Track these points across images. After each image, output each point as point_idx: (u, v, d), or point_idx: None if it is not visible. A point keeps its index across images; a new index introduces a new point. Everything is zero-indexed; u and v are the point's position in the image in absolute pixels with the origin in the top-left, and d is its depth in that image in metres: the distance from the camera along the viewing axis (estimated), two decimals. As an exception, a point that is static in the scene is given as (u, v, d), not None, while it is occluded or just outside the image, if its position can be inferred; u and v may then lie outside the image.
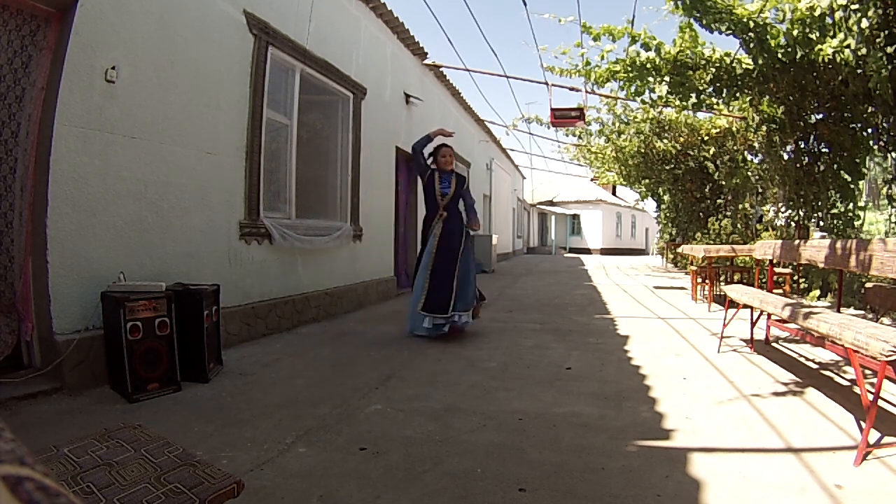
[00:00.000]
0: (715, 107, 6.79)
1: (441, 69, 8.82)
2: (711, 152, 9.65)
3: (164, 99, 3.33)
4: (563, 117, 7.51)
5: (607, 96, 9.03)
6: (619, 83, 5.46)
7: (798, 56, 4.28)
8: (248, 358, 3.62)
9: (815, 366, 3.50)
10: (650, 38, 4.98)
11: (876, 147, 5.32)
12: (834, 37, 4.00)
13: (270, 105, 4.46)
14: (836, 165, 5.67)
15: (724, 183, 9.65)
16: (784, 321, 3.06)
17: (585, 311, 6.12)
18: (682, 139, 10.01)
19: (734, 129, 8.77)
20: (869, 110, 4.91)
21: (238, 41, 4.04)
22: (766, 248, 4.34)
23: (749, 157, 9.17)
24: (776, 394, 2.89)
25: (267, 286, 4.42)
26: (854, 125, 5.32)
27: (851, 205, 5.78)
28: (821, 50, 4.17)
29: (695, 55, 5.09)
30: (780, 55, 4.39)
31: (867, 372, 2.60)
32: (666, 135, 10.09)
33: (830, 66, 4.41)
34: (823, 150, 5.81)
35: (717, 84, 5.22)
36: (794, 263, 5.95)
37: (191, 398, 2.75)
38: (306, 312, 4.95)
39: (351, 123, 5.92)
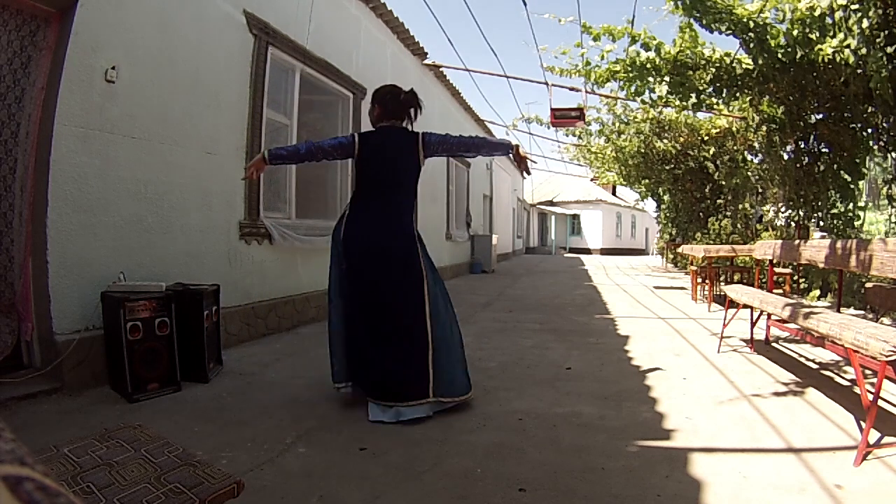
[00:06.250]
0: (715, 107, 6.78)
1: (441, 69, 8.82)
2: (711, 152, 9.64)
3: (164, 99, 3.33)
4: (563, 117, 7.51)
5: (607, 96, 9.03)
6: (619, 83, 5.45)
7: (798, 56, 4.28)
8: (248, 358, 3.61)
9: (815, 366, 3.50)
10: (650, 38, 4.98)
11: (876, 147, 5.32)
12: (834, 37, 4.00)
13: (270, 105, 4.46)
14: (836, 165, 5.67)
15: (724, 183, 9.65)
16: (784, 321, 3.06)
17: (585, 310, 6.11)
18: (682, 139, 10.00)
19: (734, 129, 8.77)
20: (869, 110, 4.91)
21: (238, 41, 4.04)
22: (766, 248, 4.34)
23: (749, 157, 9.17)
24: (776, 394, 2.89)
25: (267, 286, 4.42)
26: (854, 125, 5.31)
27: (851, 205, 5.78)
28: (821, 50, 4.16)
29: (695, 55, 5.09)
30: (780, 55, 4.39)
31: (867, 372, 2.60)
32: (666, 135, 10.09)
33: (830, 66, 4.41)
34: (823, 150, 5.80)
35: (717, 84, 5.21)
36: (794, 263, 5.95)
37: (191, 398, 2.75)
38: (306, 312, 4.95)
39: (351, 123, 5.92)
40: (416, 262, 2.64)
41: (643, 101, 5.80)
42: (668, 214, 12.99)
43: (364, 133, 2.74)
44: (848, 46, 3.92)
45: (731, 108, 7.33)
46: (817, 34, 4.06)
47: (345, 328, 2.66)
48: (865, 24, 3.65)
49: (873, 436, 2.20)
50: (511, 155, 2.88)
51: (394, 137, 2.72)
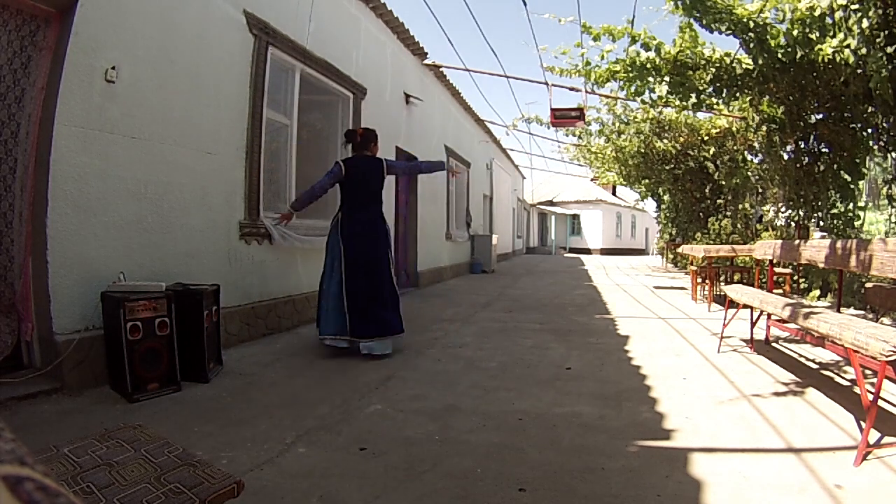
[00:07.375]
0: (715, 107, 6.78)
1: (441, 69, 8.81)
2: (711, 152, 9.64)
3: (164, 99, 3.33)
4: (563, 117, 7.51)
5: (607, 96, 9.02)
6: (619, 83, 5.45)
7: (798, 56, 4.28)
8: (248, 358, 3.62)
9: (815, 366, 3.50)
10: (650, 38, 4.98)
11: (876, 147, 5.32)
12: (834, 37, 4.00)
13: (270, 105, 4.46)
14: (836, 165, 5.67)
15: (724, 183, 9.64)
16: (784, 321, 3.06)
17: (585, 310, 6.11)
18: (682, 139, 10.00)
19: (734, 129, 8.77)
20: (869, 110, 4.91)
21: (238, 41, 4.04)
22: (766, 248, 4.34)
23: (749, 157, 9.17)
24: (776, 394, 2.89)
25: (267, 286, 4.42)
26: (854, 125, 5.31)
27: (851, 205, 5.78)
28: (821, 50, 4.16)
29: (695, 55, 5.09)
30: (780, 55, 4.39)
31: (867, 372, 2.60)
32: (666, 135, 10.09)
33: (830, 66, 4.41)
34: (823, 150, 5.80)
35: (717, 84, 5.21)
36: (794, 263, 5.95)
37: (191, 398, 2.75)
38: (306, 312, 4.94)
39: (351, 123, 5.91)
40: (387, 252, 3.88)
41: (643, 101, 5.80)
42: (668, 214, 12.99)
43: (346, 159, 3.92)
44: (848, 46, 3.92)
45: (731, 108, 7.32)
46: (817, 34, 4.06)
47: (342, 295, 3.69)
48: (865, 24, 3.65)
49: (873, 436, 2.21)
50: (446, 170, 4.93)
51: (367, 164, 3.93)
